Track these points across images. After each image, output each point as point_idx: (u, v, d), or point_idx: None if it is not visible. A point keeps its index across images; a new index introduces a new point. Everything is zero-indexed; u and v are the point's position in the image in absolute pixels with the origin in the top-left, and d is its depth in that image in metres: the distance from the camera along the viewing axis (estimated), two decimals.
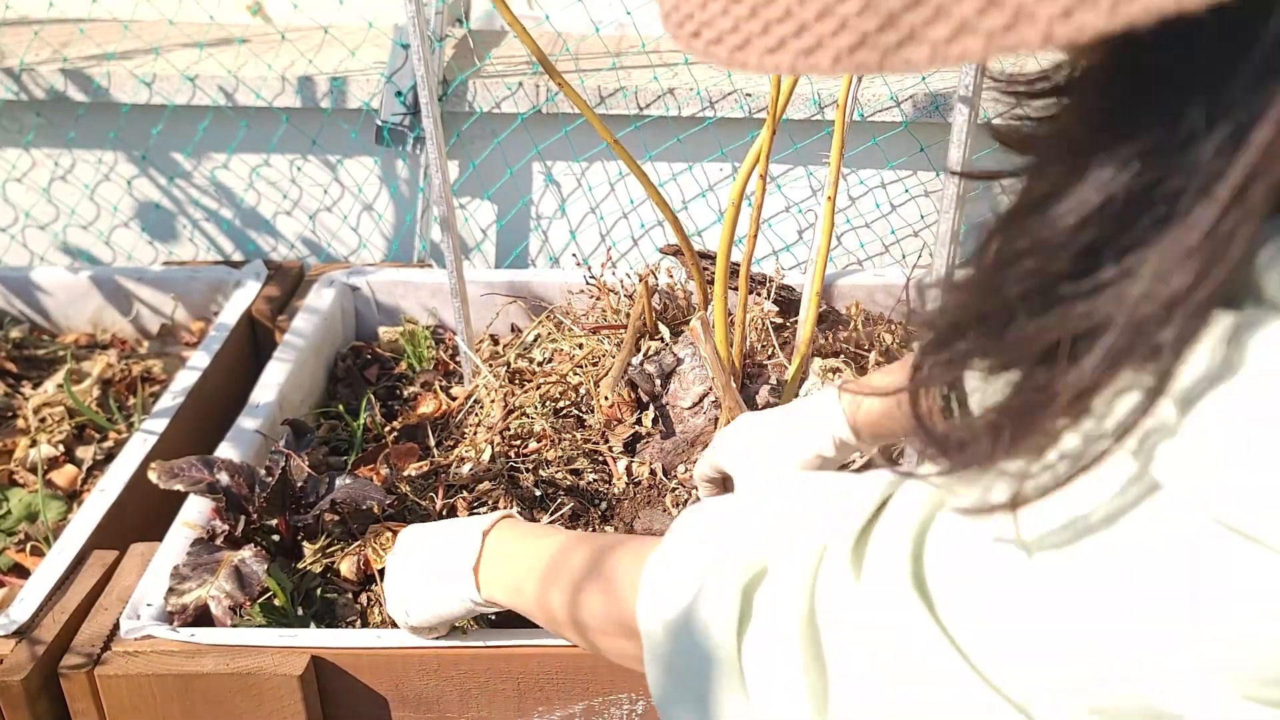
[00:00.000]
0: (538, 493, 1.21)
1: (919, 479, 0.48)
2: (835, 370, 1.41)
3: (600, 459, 1.28)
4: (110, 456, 1.37)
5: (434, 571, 0.90)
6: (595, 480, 1.26)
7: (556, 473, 1.25)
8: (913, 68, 0.31)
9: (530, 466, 1.25)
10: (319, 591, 1.10)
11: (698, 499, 1.11)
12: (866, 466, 1.17)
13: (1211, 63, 0.33)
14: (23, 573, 1.20)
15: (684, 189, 1.93)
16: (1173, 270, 0.34)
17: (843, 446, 0.97)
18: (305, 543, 1.15)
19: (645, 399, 1.30)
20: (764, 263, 1.97)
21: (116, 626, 1.01)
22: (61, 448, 1.38)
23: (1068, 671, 0.43)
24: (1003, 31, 0.30)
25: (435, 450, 1.32)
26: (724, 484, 1.07)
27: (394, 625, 1.04)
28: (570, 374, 1.38)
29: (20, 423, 1.43)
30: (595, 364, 1.40)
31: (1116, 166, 0.36)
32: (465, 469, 1.25)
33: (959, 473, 0.42)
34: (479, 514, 1.19)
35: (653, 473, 1.25)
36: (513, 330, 1.64)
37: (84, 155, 1.92)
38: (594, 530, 1.19)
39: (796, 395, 1.27)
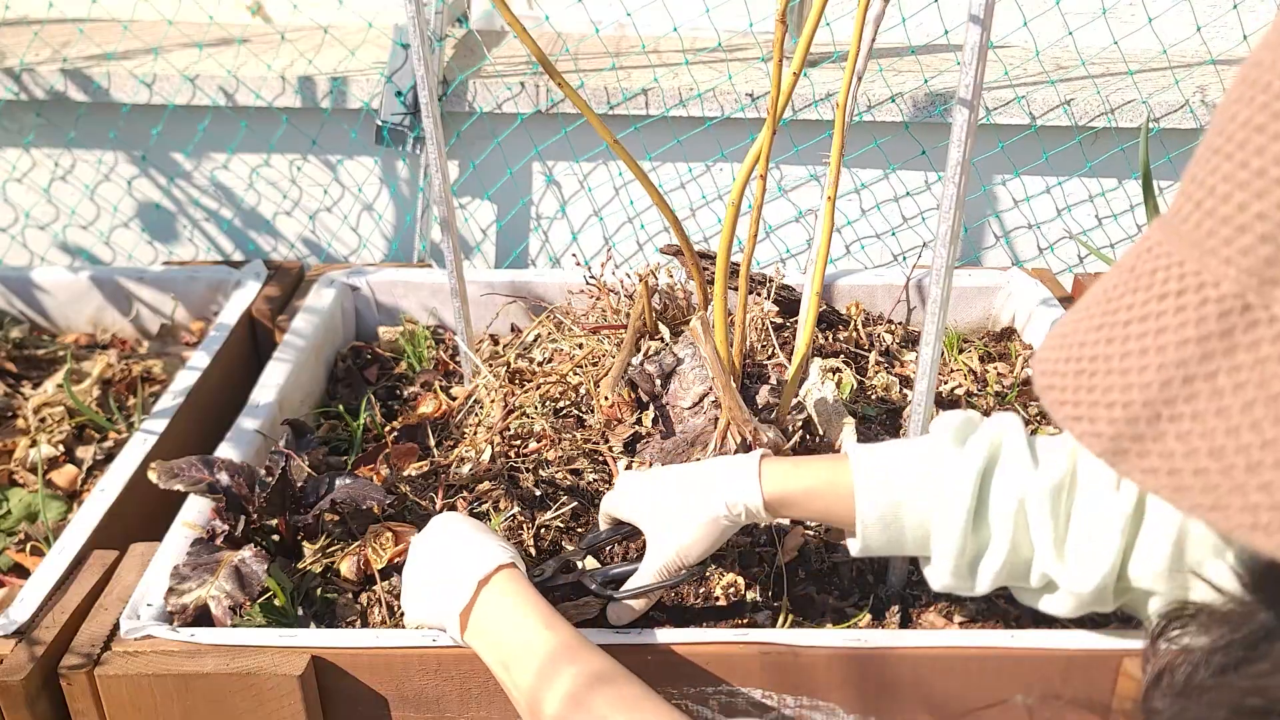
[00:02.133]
0: (538, 493, 1.21)
1: None
2: (835, 370, 1.41)
3: (600, 459, 1.28)
4: (110, 456, 1.37)
5: (430, 595, 0.94)
6: (595, 480, 1.25)
7: (556, 473, 1.25)
8: None
9: (530, 466, 1.24)
10: (319, 591, 1.10)
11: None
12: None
13: None
14: (23, 573, 1.20)
15: (690, 195, 1.93)
16: None
17: (748, 515, 0.96)
18: (305, 543, 1.15)
19: (645, 399, 1.30)
20: (769, 267, 1.97)
21: (116, 626, 1.01)
22: (61, 448, 1.38)
23: None
24: None
25: (435, 450, 1.32)
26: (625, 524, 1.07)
27: (395, 615, 1.05)
28: (570, 374, 1.38)
29: (20, 423, 1.43)
30: (595, 364, 1.40)
31: None
32: (465, 469, 1.25)
33: None
34: (479, 514, 1.19)
35: None
36: (513, 330, 1.64)
37: (84, 155, 1.92)
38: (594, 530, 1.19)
39: (796, 395, 1.27)
